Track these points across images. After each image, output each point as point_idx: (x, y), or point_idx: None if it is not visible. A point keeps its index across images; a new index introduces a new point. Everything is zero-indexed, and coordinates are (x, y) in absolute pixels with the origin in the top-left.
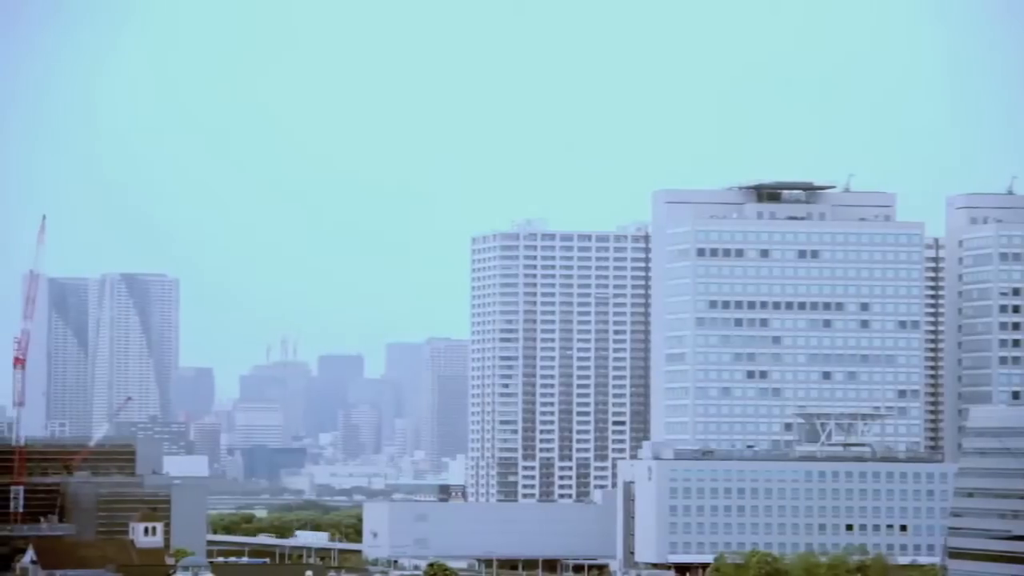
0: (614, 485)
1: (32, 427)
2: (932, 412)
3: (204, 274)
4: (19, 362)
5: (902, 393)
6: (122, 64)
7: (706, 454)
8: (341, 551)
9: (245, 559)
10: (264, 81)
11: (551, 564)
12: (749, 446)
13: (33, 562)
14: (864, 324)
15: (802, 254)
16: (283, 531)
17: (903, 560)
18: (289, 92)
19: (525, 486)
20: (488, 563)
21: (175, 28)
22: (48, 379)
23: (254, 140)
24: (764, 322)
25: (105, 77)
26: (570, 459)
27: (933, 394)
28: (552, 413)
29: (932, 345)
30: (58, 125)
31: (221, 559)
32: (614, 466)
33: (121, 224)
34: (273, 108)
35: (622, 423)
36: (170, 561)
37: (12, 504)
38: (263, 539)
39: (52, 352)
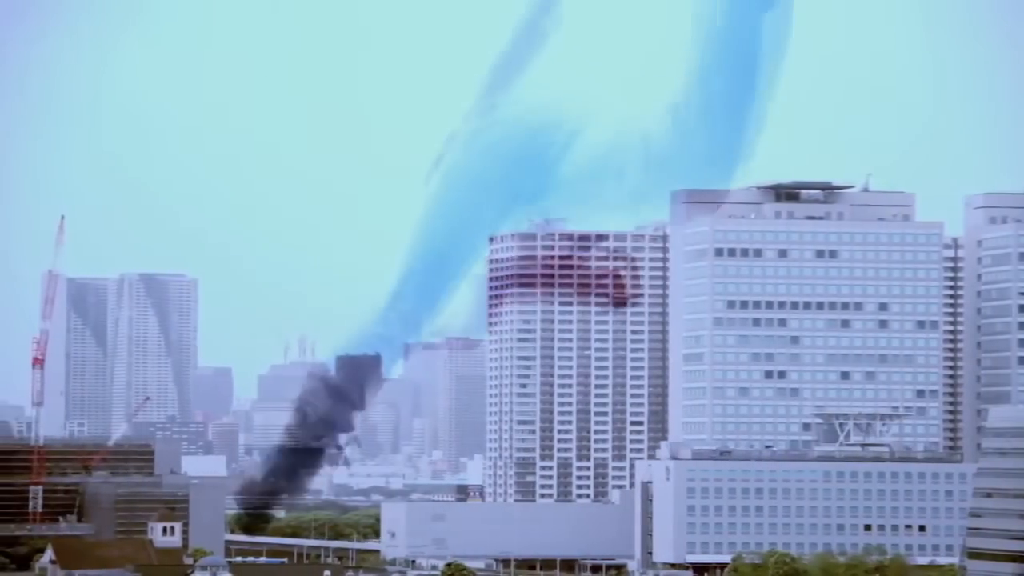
0: (632, 485)
1: (51, 427)
2: (951, 412)
3: (222, 274)
4: (38, 362)
5: (921, 393)
6: (137, 60)
7: (724, 454)
8: (359, 551)
9: (263, 559)
10: (281, 78)
11: (569, 564)
12: (767, 446)
13: (52, 562)
14: (883, 324)
15: (820, 254)
16: (299, 531)
17: (922, 560)
18: (308, 89)
19: (543, 486)
20: (506, 563)
21: (190, 23)
22: (67, 379)
23: (270, 138)
24: (782, 322)
25: (120, 74)
26: (588, 459)
27: (952, 394)
28: (570, 413)
29: (951, 345)
30: (74, 124)
31: (239, 559)
32: (632, 466)
33: (139, 224)
34: (288, 105)
35: (640, 423)
36: (188, 561)
37: (31, 504)
38: (280, 539)
39: (71, 352)
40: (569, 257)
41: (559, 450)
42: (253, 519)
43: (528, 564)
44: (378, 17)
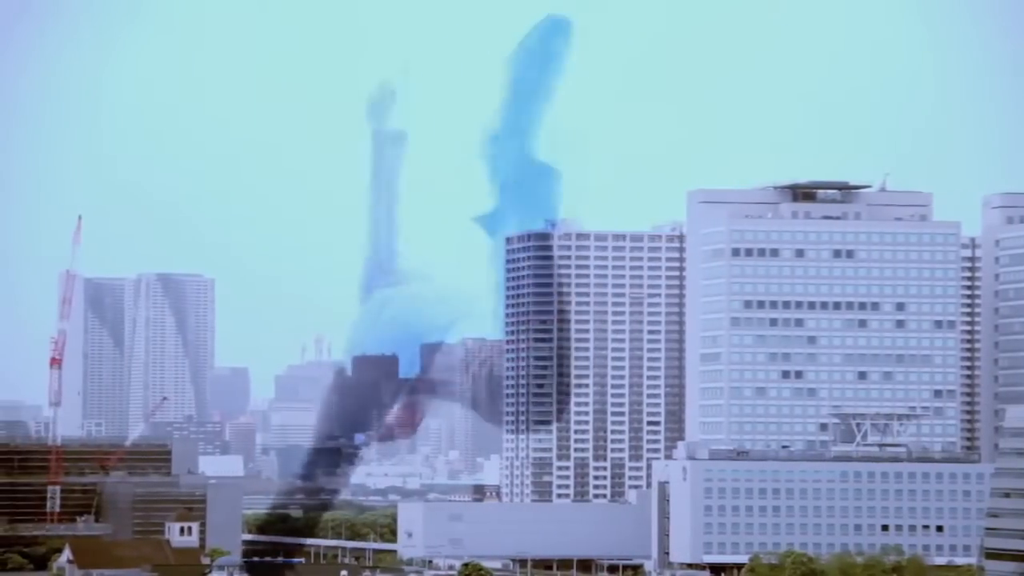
0: (649, 485)
1: (68, 427)
2: (968, 412)
3: (239, 274)
4: (55, 362)
5: (938, 393)
6: (152, 59)
7: (741, 454)
8: (376, 551)
9: (280, 559)
10: (292, 77)
11: (586, 564)
12: (784, 446)
13: (70, 561)
14: (900, 324)
15: (837, 254)
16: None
17: (939, 561)
18: (316, 88)
19: (559, 486)
20: (522, 563)
21: (201, 22)
22: (84, 379)
23: (285, 137)
24: (799, 322)
25: (135, 73)
26: (604, 459)
27: (969, 394)
28: (587, 413)
29: (968, 345)
30: (90, 124)
31: (256, 559)
32: (649, 466)
33: (156, 224)
34: (298, 104)
35: (657, 423)
36: (205, 561)
37: (49, 504)
38: (297, 539)
39: (88, 352)
40: (585, 258)
41: (576, 450)
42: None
43: (545, 564)
44: (379, 15)
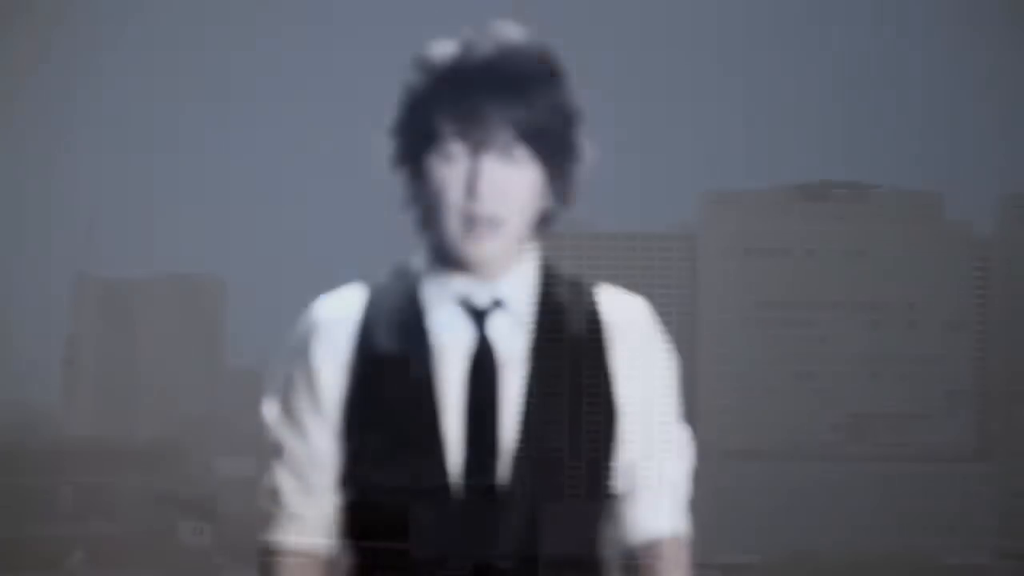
0: None
1: (81, 426)
2: (981, 413)
3: (251, 274)
4: (68, 361)
5: (951, 394)
6: (163, 59)
7: (752, 455)
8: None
9: None
10: (304, 76)
11: None
12: (796, 447)
13: (81, 562)
14: (912, 324)
15: (849, 254)
16: None
17: (952, 562)
18: (329, 88)
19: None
20: None
21: (200, 24)
22: (97, 378)
23: (295, 138)
24: (811, 322)
25: (135, 74)
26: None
27: (982, 395)
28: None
29: (981, 346)
30: (99, 122)
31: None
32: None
33: (169, 224)
34: (308, 102)
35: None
36: (218, 561)
37: (60, 504)
38: None
39: (101, 351)
40: (597, 257)
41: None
42: None
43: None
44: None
